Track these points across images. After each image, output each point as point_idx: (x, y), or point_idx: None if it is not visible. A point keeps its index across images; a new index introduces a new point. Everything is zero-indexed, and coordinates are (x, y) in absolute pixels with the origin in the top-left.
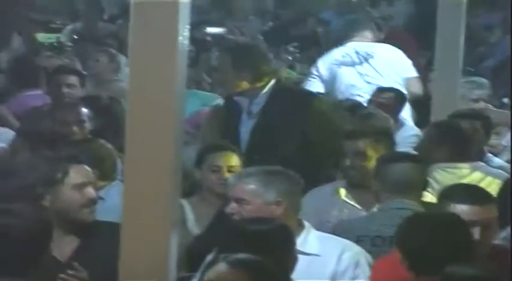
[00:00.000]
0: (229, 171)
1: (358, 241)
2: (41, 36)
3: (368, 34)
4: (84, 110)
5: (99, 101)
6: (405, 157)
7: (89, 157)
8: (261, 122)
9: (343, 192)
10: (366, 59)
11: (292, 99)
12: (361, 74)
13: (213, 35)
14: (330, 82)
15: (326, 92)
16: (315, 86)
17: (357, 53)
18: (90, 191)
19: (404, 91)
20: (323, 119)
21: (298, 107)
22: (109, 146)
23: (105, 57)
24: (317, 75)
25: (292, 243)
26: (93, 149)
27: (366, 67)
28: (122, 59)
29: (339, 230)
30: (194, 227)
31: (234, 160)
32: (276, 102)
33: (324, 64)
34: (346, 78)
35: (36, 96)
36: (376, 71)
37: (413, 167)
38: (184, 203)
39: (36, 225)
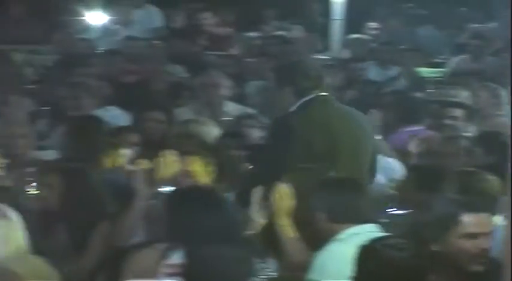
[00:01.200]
0: None
1: None
2: (424, 71)
3: None
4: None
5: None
6: None
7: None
8: None
9: None
10: None
11: None
12: None
13: None
14: None
15: None
16: None
17: None
18: (483, 241)
19: None
20: None
21: None
22: (491, 178)
23: (486, 92)
24: None
25: None
26: (473, 182)
27: None
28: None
29: None
30: None
31: None
32: None
33: None
34: None
35: (416, 132)
36: None
37: None
38: None
39: (419, 264)
